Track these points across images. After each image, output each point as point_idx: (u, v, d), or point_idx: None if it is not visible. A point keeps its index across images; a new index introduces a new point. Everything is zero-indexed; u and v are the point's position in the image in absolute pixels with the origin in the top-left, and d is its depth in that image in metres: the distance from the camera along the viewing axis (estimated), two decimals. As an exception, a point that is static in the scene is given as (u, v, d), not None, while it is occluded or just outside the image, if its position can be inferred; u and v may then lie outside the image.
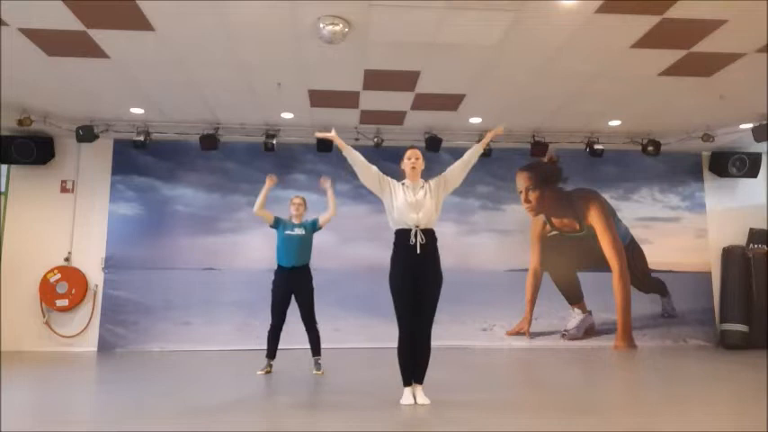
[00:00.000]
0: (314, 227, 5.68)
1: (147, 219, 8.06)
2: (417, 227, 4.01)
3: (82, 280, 7.76)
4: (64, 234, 7.89)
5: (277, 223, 5.67)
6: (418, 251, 3.97)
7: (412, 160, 4.19)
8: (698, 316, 8.34)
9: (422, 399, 4.00)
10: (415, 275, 4.01)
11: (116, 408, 4.13)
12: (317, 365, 5.55)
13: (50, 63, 5.67)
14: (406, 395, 4.01)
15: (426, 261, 4.02)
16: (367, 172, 4.21)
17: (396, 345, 4.06)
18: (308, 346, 5.59)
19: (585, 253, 8.42)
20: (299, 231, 5.60)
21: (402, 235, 4.05)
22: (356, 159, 4.21)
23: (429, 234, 4.06)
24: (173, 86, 6.35)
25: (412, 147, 4.32)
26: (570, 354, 7.41)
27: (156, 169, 8.14)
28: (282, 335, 5.59)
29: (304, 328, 5.58)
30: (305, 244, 5.62)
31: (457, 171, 4.24)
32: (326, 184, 5.62)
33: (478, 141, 7.85)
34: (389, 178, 4.23)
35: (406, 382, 4.04)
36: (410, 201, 4.07)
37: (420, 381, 4.07)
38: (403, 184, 4.20)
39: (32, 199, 7.92)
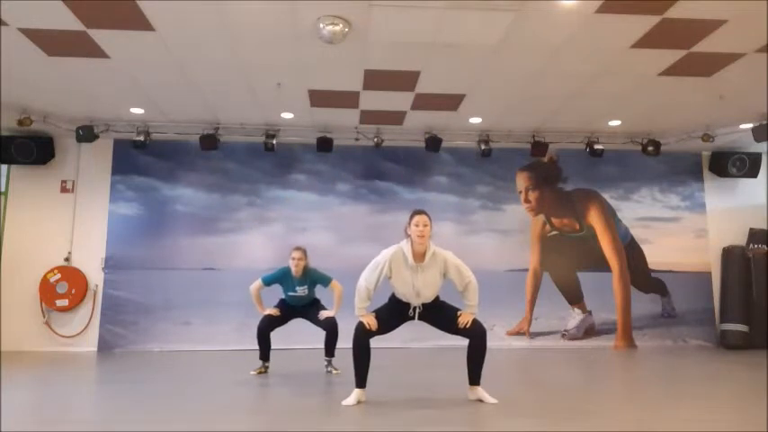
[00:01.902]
0: (315, 284, 5.58)
1: (147, 219, 8.05)
2: (416, 306, 4.13)
3: (82, 280, 7.76)
4: (64, 234, 7.88)
5: (275, 282, 5.57)
6: (416, 319, 4.14)
7: (420, 227, 3.95)
8: (698, 316, 8.33)
9: (488, 398, 4.06)
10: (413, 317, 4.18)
11: (116, 408, 4.13)
12: (332, 366, 5.53)
13: (50, 63, 5.67)
14: (354, 396, 4.03)
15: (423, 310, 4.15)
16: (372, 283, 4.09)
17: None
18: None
19: (585, 253, 8.42)
20: (301, 292, 5.54)
21: (401, 302, 4.15)
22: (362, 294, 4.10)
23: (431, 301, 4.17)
24: (173, 86, 6.35)
25: (419, 212, 4.06)
26: (570, 354, 7.41)
27: (156, 169, 8.14)
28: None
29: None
30: (310, 296, 5.62)
31: (455, 281, 4.11)
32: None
33: (478, 141, 7.97)
34: (385, 264, 4.03)
35: (360, 384, 4.07)
36: (415, 287, 4.04)
37: (478, 382, 4.13)
38: (405, 256, 4.01)
39: (32, 199, 7.91)
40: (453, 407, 3.97)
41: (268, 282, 5.54)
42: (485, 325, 4.17)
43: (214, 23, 4.90)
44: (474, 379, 4.12)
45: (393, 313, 4.15)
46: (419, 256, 4.01)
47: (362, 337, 4.00)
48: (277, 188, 8.25)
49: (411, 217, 4.05)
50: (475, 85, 6.30)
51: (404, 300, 4.12)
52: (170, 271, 7.96)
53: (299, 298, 5.55)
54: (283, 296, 5.65)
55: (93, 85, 6.33)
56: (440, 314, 4.15)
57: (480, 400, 4.04)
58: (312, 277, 5.54)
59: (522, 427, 3.46)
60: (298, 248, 5.55)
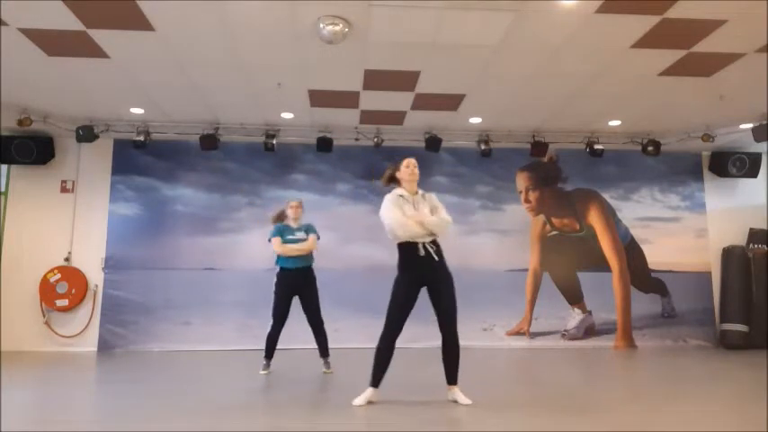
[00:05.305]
0: (314, 231, 5.64)
1: (147, 219, 8.06)
2: (423, 242, 4.04)
3: (82, 280, 7.76)
4: (64, 234, 7.89)
5: (281, 235, 5.61)
6: (435, 258, 4.02)
7: (410, 168, 4.18)
8: (698, 316, 8.33)
9: (463, 399, 4.02)
10: (426, 281, 4.07)
11: (116, 408, 4.13)
12: (327, 365, 5.56)
13: (50, 63, 5.67)
14: (365, 396, 4.02)
15: (438, 266, 4.06)
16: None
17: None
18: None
19: (585, 253, 8.42)
20: (299, 236, 5.57)
21: (409, 248, 4.05)
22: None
23: (435, 243, 4.10)
24: (173, 86, 6.35)
25: (409, 157, 4.29)
26: (570, 354, 7.41)
27: (156, 169, 8.14)
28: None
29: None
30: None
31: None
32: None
33: (478, 141, 7.98)
34: (396, 198, 4.16)
35: (375, 383, 4.06)
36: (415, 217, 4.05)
37: (455, 381, 4.10)
38: (401, 196, 4.15)
39: (32, 199, 7.92)
40: (453, 407, 3.97)
41: (278, 234, 5.57)
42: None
43: (214, 23, 4.90)
44: (450, 378, 4.11)
45: (413, 273, 4.05)
46: (412, 193, 4.19)
47: (391, 339, 4.05)
48: (277, 188, 8.25)
49: (401, 161, 4.25)
50: (475, 85, 6.30)
51: (411, 239, 4.03)
52: (170, 271, 7.96)
53: (297, 241, 5.56)
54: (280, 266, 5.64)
55: (93, 85, 6.33)
56: (440, 274, 4.08)
57: (455, 401, 4.03)
58: (306, 226, 5.66)
59: (522, 427, 3.47)
60: (296, 199, 5.78)
